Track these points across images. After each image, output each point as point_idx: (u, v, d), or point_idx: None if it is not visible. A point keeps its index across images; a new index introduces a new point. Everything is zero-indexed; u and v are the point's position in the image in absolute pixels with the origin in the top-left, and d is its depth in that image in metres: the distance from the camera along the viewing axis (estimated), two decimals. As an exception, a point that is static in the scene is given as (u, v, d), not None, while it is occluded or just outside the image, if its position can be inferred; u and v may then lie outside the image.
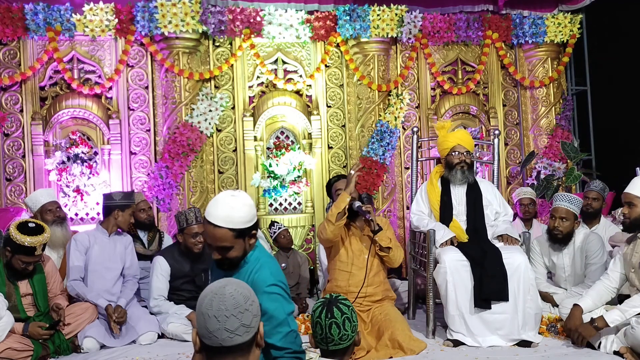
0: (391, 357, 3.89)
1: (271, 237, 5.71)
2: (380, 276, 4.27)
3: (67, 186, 6.18)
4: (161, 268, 4.66)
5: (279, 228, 5.66)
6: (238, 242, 2.49)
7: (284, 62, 6.83)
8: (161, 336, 4.58)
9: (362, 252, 4.23)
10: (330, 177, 5.33)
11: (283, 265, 5.34)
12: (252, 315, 1.80)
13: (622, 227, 4.11)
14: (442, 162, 4.76)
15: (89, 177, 6.24)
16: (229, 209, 2.44)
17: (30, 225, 3.95)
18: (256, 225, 2.56)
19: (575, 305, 3.95)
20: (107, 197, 4.81)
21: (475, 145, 5.36)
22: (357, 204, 4.10)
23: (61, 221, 4.99)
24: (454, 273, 4.16)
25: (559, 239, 4.65)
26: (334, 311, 2.21)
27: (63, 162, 6.22)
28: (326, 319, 2.21)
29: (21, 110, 6.18)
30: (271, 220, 5.96)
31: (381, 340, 3.99)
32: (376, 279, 4.23)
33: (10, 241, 3.90)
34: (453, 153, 4.59)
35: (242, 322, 1.77)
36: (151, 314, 4.71)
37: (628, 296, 3.99)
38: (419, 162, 5.49)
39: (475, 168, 5.19)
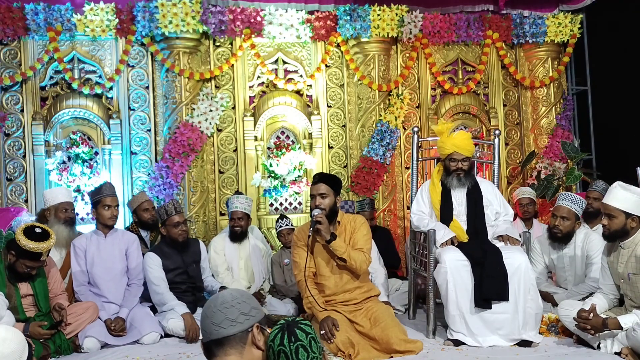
0: (391, 357, 3.89)
1: (276, 230, 5.66)
2: (353, 283, 4.18)
3: (68, 186, 6.18)
4: (152, 261, 4.69)
5: (281, 226, 5.52)
6: None
7: (284, 62, 6.83)
8: (163, 336, 4.58)
9: (329, 260, 4.16)
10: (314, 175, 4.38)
11: (286, 261, 5.33)
12: (239, 312, 1.88)
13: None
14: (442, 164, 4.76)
15: (90, 177, 6.25)
16: None
17: (37, 230, 3.95)
18: None
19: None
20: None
21: (476, 145, 5.35)
22: (316, 212, 4.02)
23: (71, 222, 5.06)
24: (455, 273, 4.16)
25: (558, 238, 4.66)
26: (297, 334, 1.99)
27: (63, 162, 6.23)
28: (290, 344, 1.98)
29: (22, 110, 6.19)
30: (281, 214, 5.93)
31: (375, 343, 3.98)
32: (348, 286, 4.17)
33: (15, 245, 3.91)
34: (450, 160, 4.59)
35: (226, 315, 1.87)
36: (153, 310, 4.72)
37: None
38: (419, 162, 5.48)
39: (475, 168, 5.19)
